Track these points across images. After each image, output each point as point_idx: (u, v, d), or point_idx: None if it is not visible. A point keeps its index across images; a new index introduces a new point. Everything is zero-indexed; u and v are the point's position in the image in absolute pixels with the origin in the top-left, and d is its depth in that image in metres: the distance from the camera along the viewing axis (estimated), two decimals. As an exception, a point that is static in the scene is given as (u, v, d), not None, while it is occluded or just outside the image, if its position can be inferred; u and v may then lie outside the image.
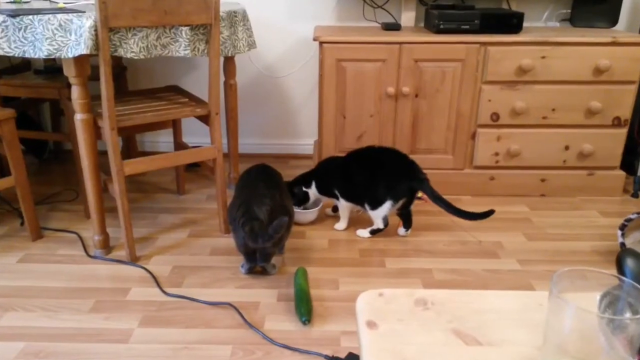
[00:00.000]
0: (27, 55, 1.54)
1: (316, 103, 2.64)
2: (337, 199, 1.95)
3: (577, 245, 1.88)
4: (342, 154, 1.97)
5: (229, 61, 2.15)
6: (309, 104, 2.66)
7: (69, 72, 1.60)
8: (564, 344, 0.57)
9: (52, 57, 1.51)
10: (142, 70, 2.62)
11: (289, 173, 2.51)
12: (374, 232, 1.91)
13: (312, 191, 1.99)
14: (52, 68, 2.38)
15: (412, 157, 2.18)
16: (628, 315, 0.58)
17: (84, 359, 1.31)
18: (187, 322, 1.46)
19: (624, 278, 0.60)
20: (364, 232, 1.92)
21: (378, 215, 1.85)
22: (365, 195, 1.85)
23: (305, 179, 2.01)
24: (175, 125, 2.14)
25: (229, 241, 1.89)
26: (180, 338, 1.39)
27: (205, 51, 1.73)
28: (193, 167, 2.52)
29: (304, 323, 1.44)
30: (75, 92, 1.62)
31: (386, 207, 1.82)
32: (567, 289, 0.61)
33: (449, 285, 1.63)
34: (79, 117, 1.64)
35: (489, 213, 1.77)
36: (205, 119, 1.87)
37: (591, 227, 2.01)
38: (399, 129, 2.17)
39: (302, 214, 2.00)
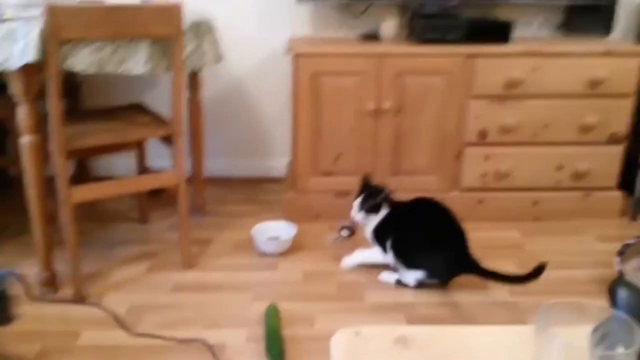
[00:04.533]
0: (-32, 70, 1.53)
1: (289, 120, 2.66)
2: (383, 248, 1.84)
3: (572, 273, 1.92)
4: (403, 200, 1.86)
5: (194, 76, 2.16)
6: (281, 121, 2.68)
7: (16, 88, 1.59)
8: (551, 383, 0.58)
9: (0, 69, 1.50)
10: (99, 87, 2.61)
11: (261, 198, 2.51)
12: (399, 284, 1.83)
13: (379, 214, 1.84)
14: (-4, 84, 2.35)
15: (395, 178, 2.23)
16: (620, 350, 0.59)
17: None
18: (145, 368, 1.43)
19: (614, 311, 0.61)
20: (388, 277, 1.84)
21: (411, 275, 1.79)
22: (405, 253, 1.78)
23: (388, 197, 1.85)
24: (140, 146, 2.13)
25: (192, 275, 1.87)
26: (136, 387, 1.36)
27: (168, 67, 1.74)
28: (156, 193, 2.49)
29: (277, 366, 1.42)
30: (22, 112, 1.60)
31: (419, 274, 1.77)
32: (557, 322, 0.62)
33: (434, 320, 1.63)
34: (25, 139, 1.62)
35: (540, 269, 1.66)
36: (167, 140, 1.86)
37: (588, 254, 2.05)
38: (380, 148, 2.20)
39: (273, 244, 2.00)
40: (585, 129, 2.22)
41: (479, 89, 2.15)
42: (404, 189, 2.21)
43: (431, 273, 1.77)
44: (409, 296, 1.77)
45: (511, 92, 2.16)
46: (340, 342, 0.81)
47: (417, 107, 2.17)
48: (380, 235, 1.85)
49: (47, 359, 1.45)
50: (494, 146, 2.22)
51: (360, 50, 2.10)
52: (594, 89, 2.17)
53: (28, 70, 1.55)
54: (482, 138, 2.21)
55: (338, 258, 1.99)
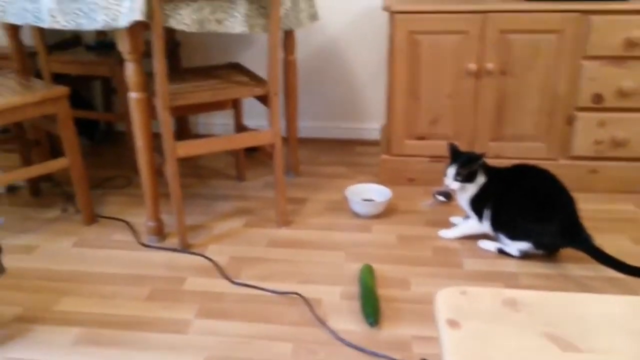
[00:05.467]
0: (83, 28, 1.66)
1: (384, 82, 2.66)
2: (478, 216, 1.82)
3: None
4: (500, 166, 1.82)
5: (289, 35, 2.20)
6: (376, 83, 2.68)
7: (123, 47, 1.70)
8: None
9: (108, 27, 1.62)
10: (196, 47, 2.74)
11: (355, 160, 2.55)
12: (502, 252, 1.81)
13: (475, 183, 1.81)
14: (103, 44, 2.54)
15: (496, 144, 2.17)
16: None
17: (141, 347, 1.42)
18: (247, 315, 1.54)
19: None
20: (488, 245, 1.83)
21: (515, 245, 1.77)
22: (508, 223, 1.76)
23: (484, 165, 1.82)
24: (236, 106, 2.23)
25: (287, 233, 1.96)
26: (239, 331, 1.47)
27: (264, 27, 1.79)
28: (251, 152, 2.61)
29: (371, 325, 1.48)
30: (129, 70, 1.73)
31: (524, 246, 1.75)
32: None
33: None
34: (132, 95, 1.75)
35: None
36: (263, 99, 1.94)
37: None
38: (481, 112, 2.15)
39: (367, 206, 2.03)
40: None
41: (593, 49, 2.03)
42: (506, 156, 2.15)
43: (537, 244, 1.73)
44: (510, 265, 1.75)
45: (631, 53, 2.01)
46: (446, 300, 0.83)
47: (523, 68, 2.08)
48: (478, 204, 1.82)
49: (157, 301, 1.60)
50: (610, 112, 2.10)
51: (462, 7, 2.04)
52: None
53: (135, 28, 1.66)
54: (597, 102, 2.09)
55: (433, 223, 2.00)
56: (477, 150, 2.18)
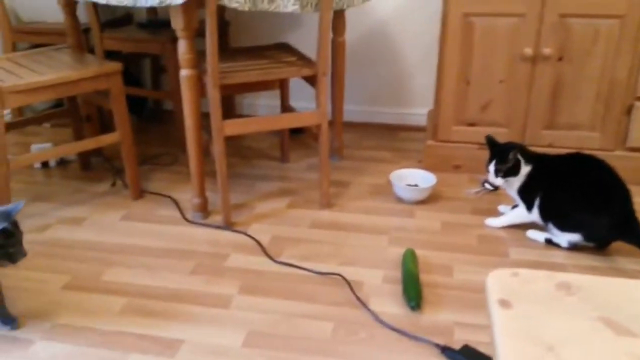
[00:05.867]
0: (138, 5, 1.70)
1: (434, 66, 2.62)
2: (528, 206, 1.79)
3: None
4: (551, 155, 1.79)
5: (339, 16, 2.20)
6: (425, 67, 2.65)
7: (177, 24, 1.74)
8: None
9: (163, 4, 1.65)
10: (245, 27, 2.76)
11: (399, 146, 2.54)
12: (550, 243, 1.77)
13: (519, 174, 1.77)
14: (155, 22, 2.59)
15: (549, 133, 2.12)
16: None
17: (184, 319, 1.46)
18: (288, 293, 1.56)
19: None
20: (536, 235, 1.80)
21: (563, 237, 1.73)
22: (559, 213, 1.72)
23: (527, 153, 1.79)
24: (283, 86, 2.25)
25: (329, 214, 1.97)
26: (280, 309, 1.50)
27: (316, 6, 1.79)
28: (295, 134, 2.63)
29: (412, 308, 1.48)
30: (182, 47, 1.76)
31: (575, 238, 1.71)
32: None
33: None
34: (184, 73, 1.78)
35: None
36: (311, 80, 1.94)
37: None
38: (534, 99, 2.10)
39: (410, 191, 2.02)
40: None
41: (659, 35, 1.95)
42: (559, 145, 2.10)
43: (588, 237, 1.69)
44: (558, 256, 1.72)
45: (701, 39, 1.92)
46: (497, 280, 0.82)
47: (582, 54, 2.01)
48: (527, 193, 1.79)
49: (200, 275, 1.64)
50: (672, 102, 2.02)
51: (521, -11, 1.99)
52: None
53: (189, 6, 1.69)
54: (659, 92, 2.01)
55: (479, 211, 1.97)
56: (529, 139, 2.13)
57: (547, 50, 2.02)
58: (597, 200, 1.65)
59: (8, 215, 1.34)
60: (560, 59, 2.03)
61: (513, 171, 1.77)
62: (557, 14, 1.98)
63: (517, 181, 1.79)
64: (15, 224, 1.36)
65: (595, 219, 1.65)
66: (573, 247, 1.73)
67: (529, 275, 0.83)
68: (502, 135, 2.09)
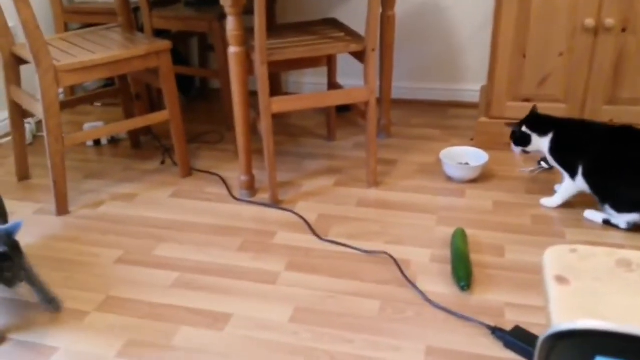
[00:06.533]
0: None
1: (487, 40, 2.55)
2: (572, 174, 1.76)
3: None
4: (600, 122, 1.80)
5: (389, -11, 2.17)
6: (478, 41, 2.58)
7: (226, 1, 1.76)
8: None
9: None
10: (291, 3, 2.76)
11: (449, 123, 2.50)
12: (608, 223, 1.73)
13: (540, 142, 1.81)
14: (202, 0, 2.62)
15: (611, 108, 2.04)
16: None
17: (232, 294, 1.51)
18: (335, 271, 1.58)
19: None
20: (594, 215, 1.75)
21: (623, 217, 1.69)
22: (613, 191, 1.68)
23: (537, 121, 1.82)
24: (330, 63, 2.24)
25: (377, 193, 1.96)
26: (327, 286, 1.52)
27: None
28: (342, 112, 2.62)
29: (462, 288, 1.47)
30: (230, 23, 1.78)
31: (635, 217, 1.66)
32: None
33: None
34: (232, 50, 1.80)
35: None
36: (359, 56, 1.93)
37: None
38: (596, 72, 2.02)
39: (461, 169, 1.99)
40: None
41: None
42: (621, 121, 2.02)
43: None
44: (617, 237, 1.66)
45: None
46: (554, 258, 0.81)
47: (648, 24, 1.92)
48: (561, 159, 1.78)
49: (248, 252, 1.68)
50: None
51: (583, -45, 1.91)
52: None
53: (238, -18, 1.71)
54: None
55: (535, 191, 1.93)
56: (589, 114, 2.06)
57: (609, 21, 1.93)
58: None
59: (9, 236, 1.28)
60: (623, 30, 1.94)
61: (523, 142, 1.84)
62: (622, -18, 1.89)
63: (542, 148, 1.81)
64: (14, 246, 1.31)
65: None
66: (632, 228, 1.67)
67: (588, 252, 0.81)
68: (561, 111, 2.03)
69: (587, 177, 1.71)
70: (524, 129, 1.83)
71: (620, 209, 1.66)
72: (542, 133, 1.80)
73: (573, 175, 1.75)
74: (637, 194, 1.62)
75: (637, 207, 1.63)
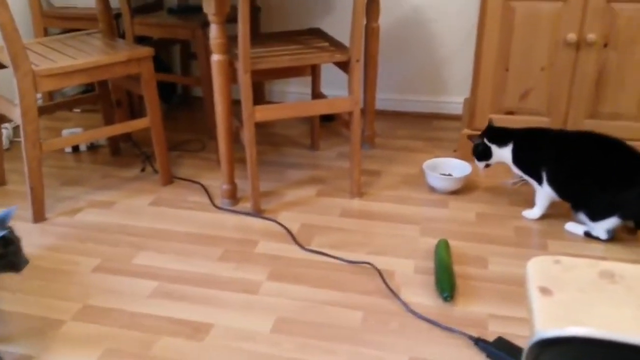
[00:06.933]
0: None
1: (471, 53, 2.59)
2: (538, 181, 1.81)
3: None
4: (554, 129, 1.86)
5: (373, 0, 2.19)
6: (462, 54, 2.62)
7: (209, 8, 1.76)
8: None
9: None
10: (275, 12, 2.78)
11: (432, 135, 2.53)
12: (589, 236, 1.76)
13: (501, 153, 1.86)
14: (185, 7, 2.62)
15: (592, 122, 2.08)
16: None
17: (213, 304, 1.50)
18: (317, 281, 1.58)
19: None
20: (575, 228, 1.78)
21: (600, 227, 1.71)
22: (583, 198, 1.71)
23: (495, 133, 1.88)
24: (315, 73, 2.25)
25: (360, 203, 1.97)
26: (309, 296, 1.52)
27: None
28: (326, 122, 2.63)
29: (445, 299, 1.48)
30: (214, 31, 1.78)
31: (611, 222, 1.68)
32: None
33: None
34: (215, 57, 1.80)
35: None
36: (343, 66, 1.94)
37: None
38: (577, 87, 2.06)
39: (444, 181, 2.01)
40: None
41: None
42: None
43: (625, 213, 1.65)
44: (598, 249, 1.69)
45: None
46: (537, 269, 0.82)
47: (629, 41, 1.97)
48: (523, 166, 1.83)
49: (229, 262, 1.67)
50: None
51: (565, -29, 1.95)
52: None
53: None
54: None
55: (517, 203, 1.95)
56: (570, 128, 2.10)
57: (591, 36, 1.98)
58: (623, 172, 1.63)
59: (3, 222, 1.27)
60: (605, 45, 1.99)
61: (484, 155, 1.90)
62: (603, -2, 1.94)
63: (505, 159, 1.87)
64: (11, 231, 1.30)
65: (627, 192, 1.63)
66: (613, 238, 1.71)
67: (571, 263, 0.82)
68: (543, 124, 2.07)
69: (552, 183, 1.76)
70: (485, 141, 1.89)
71: (594, 216, 1.70)
72: (501, 144, 1.86)
73: (539, 182, 1.80)
74: (605, 198, 1.66)
75: (609, 211, 1.67)
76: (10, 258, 1.27)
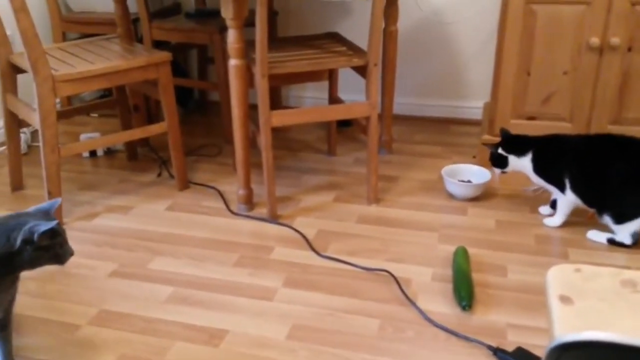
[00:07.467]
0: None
1: (491, 56, 2.58)
2: (561, 188, 1.79)
3: None
4: (575, 134, 1.85)
5: (392, 4, 2.20)
6: (482, 58, 2.61)
7: (227, 13, 1.78)
8: None
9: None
10: (293, 16, 2.80)
11: (451, 140, 2.52)
12: (612, 243, 1.74)
13: (520, 162, 1.84)
14: (203, 12, 2.66)
15: (616, 128, 2.06)
16: None
17: (228, 310, 1.50)
18: (333, 288, 1.58)
19: None
20: (597, 236, 1.76)
21: (624, 230, 1.70)
22: (608, 201, 1.69)
23: (512, 143, 1.86)
24: (332, 77, 2.26)
25: (377, 210, 1.97)
26: (325, 303, 1.52)
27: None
28: (343, 127, 2.64)
29: (464, 308, 1.47)
30: (231, 36, 1.80)
31: (636, 226, 1.67)
32: None
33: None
34: (232, 62, 1.82)
35: None
36: (361, 71, 1.95)
37: None
38: (600, 91, 2.04)
39: (464, 187, 2.00)
40: None
41: None
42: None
43: None
44: (621, 259, 1.67)
45: None
46: (558, 277, 0.81)
47: (653, 44, 1.95)
48: (548, 176, 1.80)
49: (245, 267, 1.68)
50: None
51: (588, -26, 1.94)
52: None
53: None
54: None
55: (536, 210, 1.93)
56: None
57: (615, 40, 1.96)
58: None
59: (48, 214, 1.26)
60: (629, 49, 1.97)
61: (500, 163, 1.88)
62: (628, 2, 1.92)
63: (524, 169, 1.85)
64: (58, 222, 1.28)
65: None
66: (636, 242, 1.69)
67: (592, 272, 0.82)
68: (566, 130, 2.05)
69: (576, 189, 1.74)
70: (500, 151, 1.86)
71: (620, 219, 1.68)
72: (520, 154, 1.84)
73: (562, 189, 1.78)
74: (631, 199, 1.64)
75: (635, 212, 1.65)
76: (57, 250, 1.24)
